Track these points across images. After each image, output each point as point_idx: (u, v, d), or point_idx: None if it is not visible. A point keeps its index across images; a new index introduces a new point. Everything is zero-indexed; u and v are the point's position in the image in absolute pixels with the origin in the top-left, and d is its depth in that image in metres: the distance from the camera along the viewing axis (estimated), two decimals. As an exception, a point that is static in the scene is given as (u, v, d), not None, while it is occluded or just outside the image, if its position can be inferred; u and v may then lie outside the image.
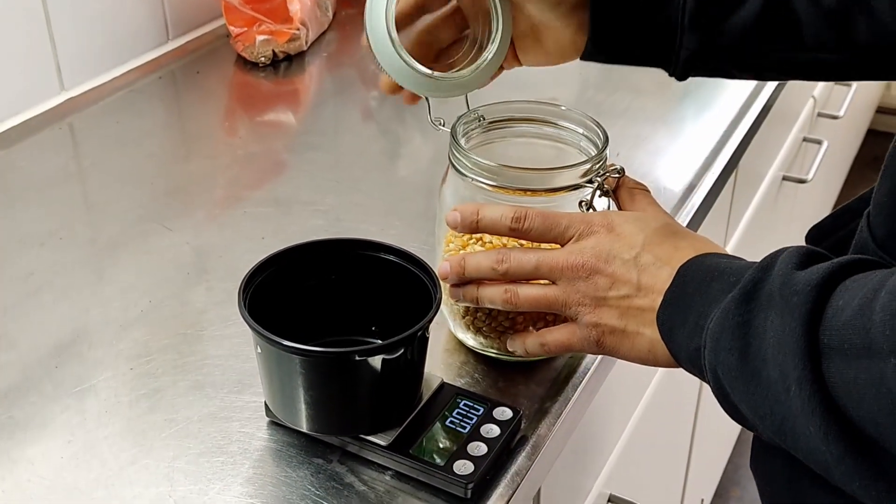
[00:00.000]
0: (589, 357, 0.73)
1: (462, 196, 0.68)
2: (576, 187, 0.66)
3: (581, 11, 0.70)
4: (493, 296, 0.64)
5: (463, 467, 0.61)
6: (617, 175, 0.67)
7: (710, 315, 0.54)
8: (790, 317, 0.49)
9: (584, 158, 0.67)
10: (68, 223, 0.89)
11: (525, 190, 0.66)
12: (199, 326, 0.75)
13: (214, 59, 1.21)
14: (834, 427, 0.47)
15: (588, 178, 0.66)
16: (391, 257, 0.67)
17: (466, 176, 0.67)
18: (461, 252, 0.68)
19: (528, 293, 0.63)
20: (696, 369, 0.57)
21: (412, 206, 0.92)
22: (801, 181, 1.60)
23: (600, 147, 0.68)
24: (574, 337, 0.64)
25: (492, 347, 0.70)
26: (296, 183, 0.96)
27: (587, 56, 0.72)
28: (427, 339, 0.63)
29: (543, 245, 0.65)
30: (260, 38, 1.17)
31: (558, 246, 0.64)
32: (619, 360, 0.78)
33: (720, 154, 1.02)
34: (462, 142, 0.69)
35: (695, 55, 0.71)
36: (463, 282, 0.66)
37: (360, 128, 1.09)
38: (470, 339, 0.71)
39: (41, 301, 0.78)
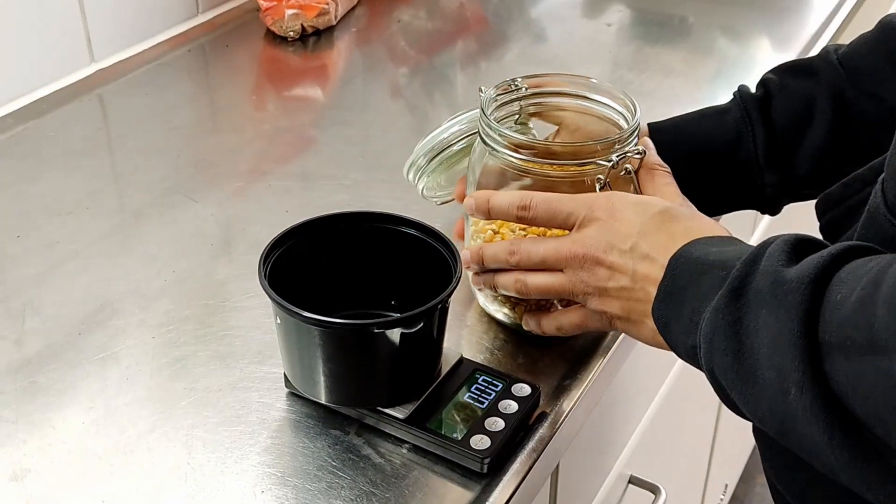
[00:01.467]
0: (610, 335, 0.73)
1: (490, 169, 0.68)
2: (599, 162, 0.65)
3: None
4: (506, 284, 0.66)
5: (480, 442, 0.61)
6: (639, 156, 0.66)
7: (702, 312, 0.54)
8: (785, 315, 0.48)
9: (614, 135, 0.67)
10: (95, 193, 0.89)
11: (551, 164, 0.66)
12: (221, 297, 0.76)
13: (243, 33, 1.21)
14: (839, 432, 0.46)
15: (611, 155, 0.65)
16: (412, 231, 0.67)
17: (495, 150, 0.67)
18: (482, 244, 0.68)
19: (537, 282, 0.64)
20: (695, 366, 0.56)
21: (437, 182, 0.92)
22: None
23: (630, 124, 0.67)
24: (587, 319, 0.65)
25: (519, 320, 0.70)
26: (321, 158, 0.96)
27: None
28: (447, 313, 0.63)
29: (556, 230, 0.66)
30: (289, 12, 1.17)
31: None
32: (641, 343, 0.78)
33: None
34: (491, 112, 0.69)
35: (778, 188, 0.74)
36: (483, 270, 0.68)
37: (387, 104, 1.09)
38: (498, 313, 0.71)
39: (66, 269, 0.79)
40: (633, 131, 0.67)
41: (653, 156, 0.68)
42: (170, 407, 0.66)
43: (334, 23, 1.22)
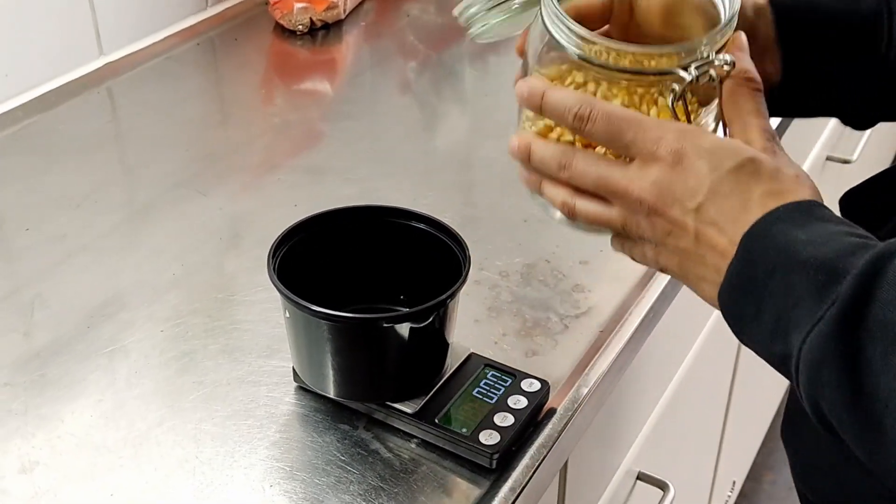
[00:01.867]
0: (620, 332, 0.72)
1: (549, 55, 0.58)
2: (678, 72, 0.53)
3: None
4: (552, 198, 0.58)
5: (489, 437, 0.60)
6: (727, 67, 0.53)
7: (796, 323, 0.46)
8: None
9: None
10: (104, 186, 0.89)
11: (614, 69, 0.54)
12: (229, 291, 0.76)
13: (252, 27, 1.21)
14: None
15: (688, 63, 0.53)
16: (421, 225, 0.67)
17: (555, 38, 0.55)
18: (532, 137, 0.58)
19: (587, 211, 0.56)
20: (779, 371, 0.50)
21: (446, 177, 0.92)
22: (846, 161, 1.56)
23: (723, 23, 0.54)
24: (629, 249, 0.57)
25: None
26: (330, 152, 0.96)
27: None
28: (456, 307, 0.63)
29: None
30: (298, 6, 1.17)
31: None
32: (650, 340, 0.78)
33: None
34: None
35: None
36: (529, 168, 0.59)
37: (396, 98, 1.09)
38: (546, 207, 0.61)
39: (75, 262, 0.79)
40: (726, 27, 0.54)
41: (744, 62, 0.54)
42: (178, 400, 0.66)
43: (343, 17, 1.22)
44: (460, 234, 0.65)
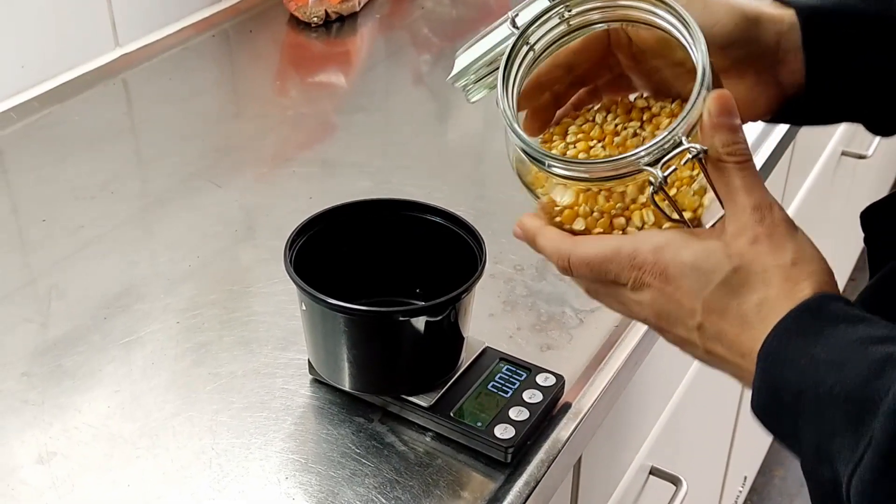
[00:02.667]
0: (634, 327, 0.72)
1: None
2: (646, 170, 0.51)
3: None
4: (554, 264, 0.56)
5: (504, 431, 0.60)
6: (701, 155, 0.50)
7: (838, 451, 0.44)
8: None
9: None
10: (119, 177, 0.89)
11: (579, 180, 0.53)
12: (245, 283, 0.76)
13: (267, 19, 1.21)
14: None
15: (658, 157, 0.50)
16: (437, 219, 0.67)
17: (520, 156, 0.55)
18: (538, 227, 0.56)
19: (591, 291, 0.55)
20: (832, 501, 0.47)
21: (460, 169, 0.92)
22: (861, 157, 1.56)
23: (688, 106, 0.50)
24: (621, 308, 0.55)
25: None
26: (344, 144, 0.96)
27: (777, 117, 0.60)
28: (471, 301, 0.63)
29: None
30: (313, -2, 1.17)
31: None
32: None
33: (777, 126, 0.99)
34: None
35: None
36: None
37: (410, 91, 1.08)
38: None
39: (91, 253, 0.79)
40: (692, 108, 0.50)
41: (723, 134, 0.50)
42: (194, 392, 0.66)
43: (358, 9, 1.21)
44: (475, 227, 0.65)
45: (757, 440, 1.68)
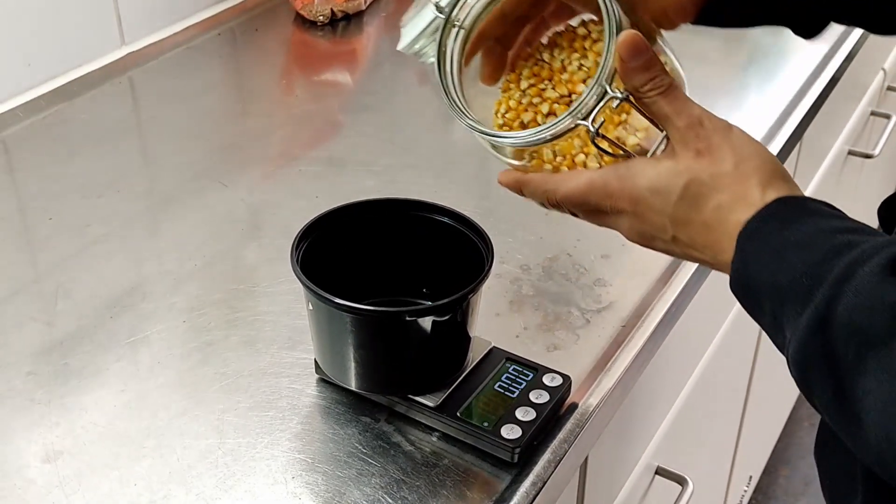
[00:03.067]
0: (642, 327, 0.72)
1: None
2: (580, 124, 0.55)
3: None
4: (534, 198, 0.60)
5: (510, 431, 0.60)
6: (624, 100, 0.54)
7: (787, 320, 0.49)
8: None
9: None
10: (126, 176, 0.89)
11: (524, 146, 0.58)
12: (251, 282, 0.76)
13: (273, 18, 1.21)
14: None
15: (587, 112, 0.55)
16: (444, 219, 0.66)
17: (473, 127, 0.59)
18: (520, 174, 0.60)
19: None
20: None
21: (466, 168, 0.92)
22: (868, 156, 1.55)
23: (600, 67, 0.54)
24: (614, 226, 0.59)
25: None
26: (350, 143, 0.96)
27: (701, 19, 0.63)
28: (478, 302, 0.63)
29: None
30: (319, -4, 1.17)
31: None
32: (671, 335, 0.77)
33: (784, 126, 0.99)
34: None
35: None
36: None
37: (415, 89, 1.08)
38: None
39: (97, 252, 0.79)
40: (605, 65, 0.54)
41: (639, 74, 0.54)
42: (201, 391, 0.66)
43: (364, 7, 1.21)
44: (482, 226, 0.65)
45: (762, 440, 1.68)
